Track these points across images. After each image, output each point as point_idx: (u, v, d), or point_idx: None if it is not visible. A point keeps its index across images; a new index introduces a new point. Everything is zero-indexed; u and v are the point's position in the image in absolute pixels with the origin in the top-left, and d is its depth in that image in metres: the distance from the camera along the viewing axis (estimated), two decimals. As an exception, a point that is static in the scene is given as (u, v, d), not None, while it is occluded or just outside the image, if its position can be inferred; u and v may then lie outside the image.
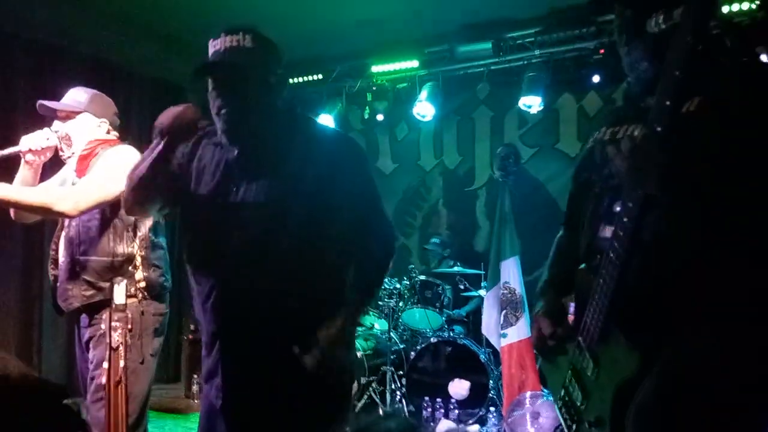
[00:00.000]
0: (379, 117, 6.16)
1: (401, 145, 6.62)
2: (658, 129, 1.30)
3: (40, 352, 4.94)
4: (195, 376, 4.97)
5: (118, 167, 2.34)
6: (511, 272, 4.32)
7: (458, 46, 5.32)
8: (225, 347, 1.74)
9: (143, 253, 2.45)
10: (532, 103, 5.21)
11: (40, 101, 2.51)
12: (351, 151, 1.84)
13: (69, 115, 2.51)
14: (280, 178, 1.73)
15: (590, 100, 5.56)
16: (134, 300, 2.42)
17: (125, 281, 2.39)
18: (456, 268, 5.11)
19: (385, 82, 5.93)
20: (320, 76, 5.92)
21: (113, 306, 2.35)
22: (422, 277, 4.99)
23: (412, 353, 4.53)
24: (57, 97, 2.57)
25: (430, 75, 5.64)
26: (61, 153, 2.52)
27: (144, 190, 1.79)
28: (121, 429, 2.29)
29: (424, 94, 5.57)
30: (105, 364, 2.32)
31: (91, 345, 2.45)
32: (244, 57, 1.70)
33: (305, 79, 5.93)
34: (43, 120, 2.57)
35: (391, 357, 4.59)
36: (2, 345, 4.73)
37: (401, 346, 4.76)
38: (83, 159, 2.48)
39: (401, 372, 4.54)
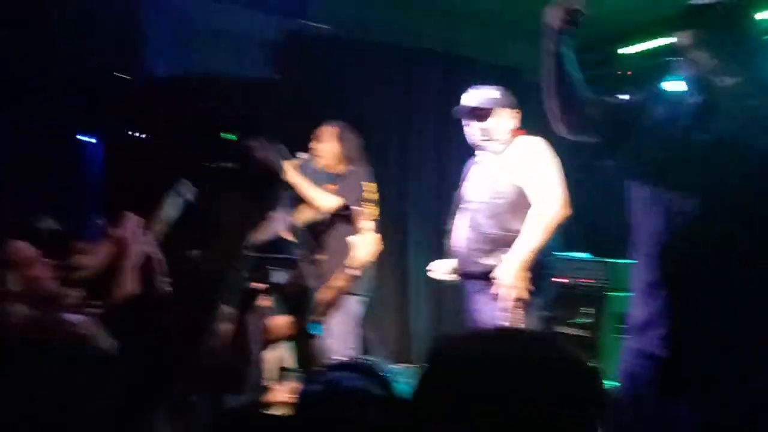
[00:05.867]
0: None
1: None
2: None
3: (410, 338, 5.48)
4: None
5: (550, 162, 2.64)
6: None
7: None
8: (671, 297, 1.70)
9: None
10: None
11: (457, 107, 2.80)
12: None
13: (486, 113, 2.72)
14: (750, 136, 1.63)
15: None
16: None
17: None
18: None
19: None
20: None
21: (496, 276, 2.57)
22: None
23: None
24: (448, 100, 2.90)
25: None
26: (487, 148, 2.77)
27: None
28: None
29: None
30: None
31: (480, 308, 2.72)
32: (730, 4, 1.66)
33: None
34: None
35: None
36: (377, 333, 5.35)
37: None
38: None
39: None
